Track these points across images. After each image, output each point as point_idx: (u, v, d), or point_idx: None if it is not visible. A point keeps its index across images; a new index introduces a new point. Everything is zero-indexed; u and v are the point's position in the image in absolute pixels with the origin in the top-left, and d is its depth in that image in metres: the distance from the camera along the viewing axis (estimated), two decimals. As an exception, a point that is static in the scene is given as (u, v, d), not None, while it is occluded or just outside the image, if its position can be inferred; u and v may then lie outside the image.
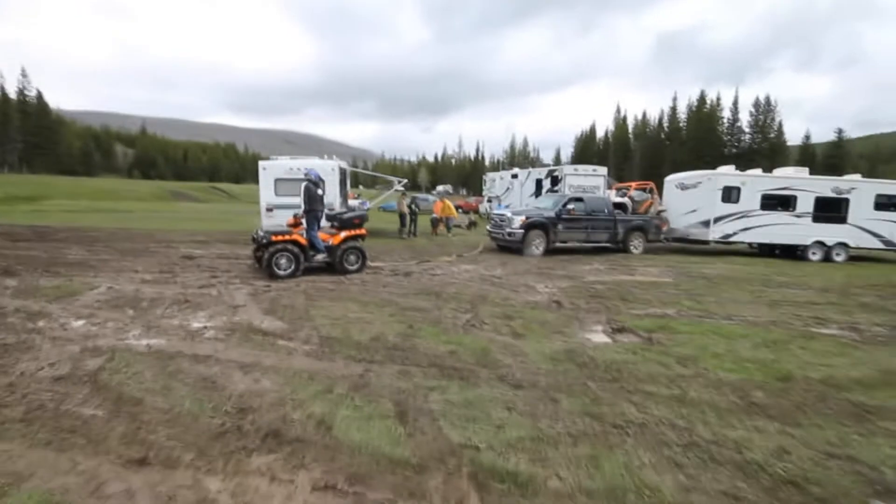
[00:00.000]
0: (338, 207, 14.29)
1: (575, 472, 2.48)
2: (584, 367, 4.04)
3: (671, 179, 15.33)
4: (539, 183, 20.25)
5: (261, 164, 13.80)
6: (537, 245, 11.88)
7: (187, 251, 10.76)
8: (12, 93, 72.22)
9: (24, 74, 78.84)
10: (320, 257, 8.39)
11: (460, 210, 34.14)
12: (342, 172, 15.42)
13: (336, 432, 2.80)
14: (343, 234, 8.54)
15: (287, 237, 7.97)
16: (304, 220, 8.29)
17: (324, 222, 8.60)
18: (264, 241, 7.89)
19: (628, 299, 6.86)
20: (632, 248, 12.88)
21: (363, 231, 8.88)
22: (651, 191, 18.42)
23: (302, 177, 13.81)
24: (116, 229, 15.88)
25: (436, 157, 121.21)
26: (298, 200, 12.41)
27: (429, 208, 23.01)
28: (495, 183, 26.27)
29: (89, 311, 5.34)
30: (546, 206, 12.87)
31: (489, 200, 27.19)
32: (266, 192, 13.79)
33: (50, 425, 2.78)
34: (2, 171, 65.44)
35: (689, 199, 14.11)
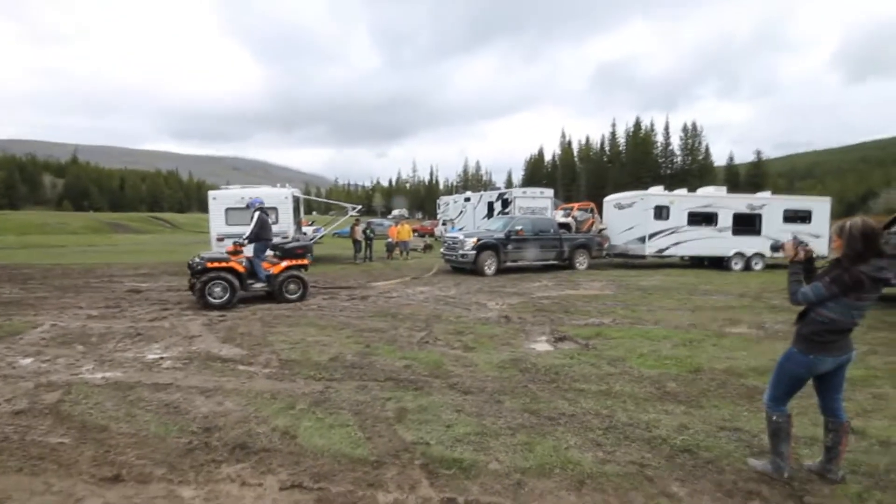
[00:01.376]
0: (292, 235, 14.37)
1: (512, 456, 2.91)
2: (527, 373, 4.51)
3: (610, 200, 16.61)
4: (490, 206, 20.95)
5: (210, 193, 13.71)
6: (489, 265, 12.45)
7: (133, 285, 10.46)
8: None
9: None
10: (259, 286, 8.42)
11: (417, 234, 34.70)
12: (295, 200, 15.55)
13: (300, 440, 3.07)
14: (284, 263, 8.61)
15: (223, 264, 7.96)
16: (246, 248, 8.34)
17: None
18: (199, 267, 7.81)
19: (571, 311, 7.48)
20: (577, 264, 13.78)
21: (305, 261, 8.98)
22: (592, 210, 19.75)
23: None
24: (51, 266, 15.01)
25: (390, 182, 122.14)
26: (244, 229, 12.57)
27: (384, 233, 23.29)
28: (449, 206, 26.86)
29: (36, 349, 5.24)
30: (496, 227, 13.52)
31: (444, 223, 27.77)
32: (216, 222, 13.66)
33: (18, 454, 2.86)
34: None
35: (626, 217, 15.35)
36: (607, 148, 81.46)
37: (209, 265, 7.82)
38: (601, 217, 17.63)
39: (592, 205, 20.07)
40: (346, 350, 5.21)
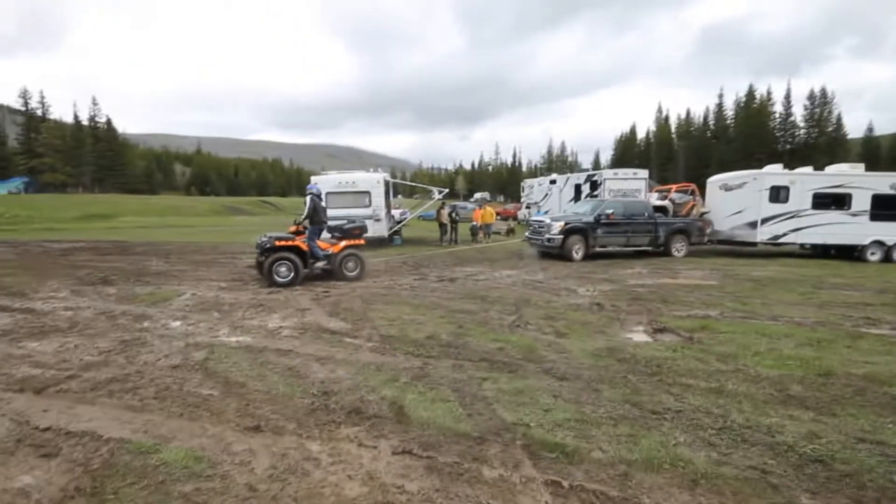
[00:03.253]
0: (384, 218, 15.11)
1: (616, 446, 2.83)
2: (625, 363, 4.33)
3: (714, 180, 15.04)
4: (578, 188, 20.22)
5: (312, 179, 14.77)
6: (577, 250, 12.02)
7: (250, 261, 11.76)
8: (85, 120, 79.84)
9: (94, 103, 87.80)
10: (320, 265, 8.88)
11: (499, 217, 34.50)
12: (387, 184, 16.23)
13: (407, 411, 3.28)
14: (343, 243, 9.02)
15: (290, 243, 8.46)
16: (307, 230, 8.81)
17: (325, 234, 9.13)
18: (267, 245, 8.34)
19: (670, 301, 6.99)
20: (674, 251, 12.77)
21: (362, 241, 9.33)
22: (692, 192, 18.04)
23: (350, 190, 14.89)
24: (185, 243, 17.44)
25: (473, 165, 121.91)
26: (349, 212, 13.40)
27: (468, 216, 23.49)
28: (533, 189, 26.42)
29: (182, 314, 6.17)
30: (585, 211, 12.96)
31: (527, 207, 27.33)
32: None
33: (179, 402, 3.43)
34: (77, 191, 71.99)
35: (734, 199, 13.81)
36: (712, 122, 72.99)
37: (277, 243, 8.36)
38: (703, 200, 16.05)
39: (693, 186, 18.33)
40: (440, 329, 5.40)
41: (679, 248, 12.83)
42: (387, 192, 16.13)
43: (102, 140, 78.75)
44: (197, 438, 2.93)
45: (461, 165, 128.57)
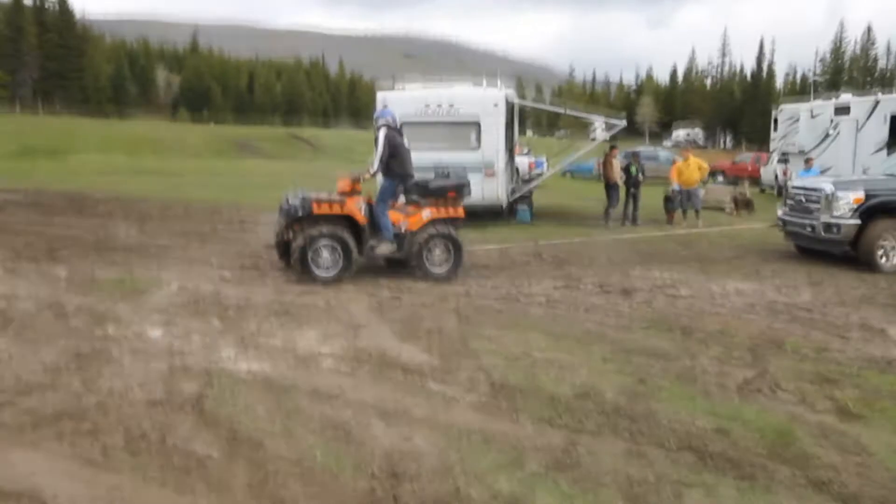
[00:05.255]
0: (501, 171, 15.28)
1: None
2: None
3: None
4: None
5: (380, 96, 15.38)
6: (890, 250, 11.07)
7: (271, 237, 12.67)
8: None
9: None
10: (385, 248, 9.14)
11: (718, 177, 32.98)
12: (510, 109, 16.35)
13: (538, 526, 3.30)
14: (426, 213, 9.17)
15: (337, 209, 8.75)
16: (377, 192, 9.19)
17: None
18: (300, 212, 8.64)
19: None
20: None
21: (460, 211, 9.42)
22: None
23: (442, 119, 15.25)
24: (170, 200, 19.39)
25: (673, 76, 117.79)
26: (439, 158, 13.75)
27: (662, 174, 22.77)
28: (799, 124, 24.86)
29: (165, 318, 6.87)
30: (912, 171, 11.92)
31: (783, 160, 25.75)
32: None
33: (159, 460, 3.84)
34: (13, 110, 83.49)
35: None
36: None
37: (316, 209, 8.67)
38: None
39: None
40: (603, 381, 5.36)
41: None
42: (509, 124, 16.28)
43: (51, 29, 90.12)
44: (186, 526, 3.25)
45: (650, 76, 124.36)
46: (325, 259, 8.75)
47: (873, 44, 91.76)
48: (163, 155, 48.07)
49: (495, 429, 4.43)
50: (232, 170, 37.79)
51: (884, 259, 11.09)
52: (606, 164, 17.54)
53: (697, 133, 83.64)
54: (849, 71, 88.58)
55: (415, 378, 5.36)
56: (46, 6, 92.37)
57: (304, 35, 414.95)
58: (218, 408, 4.60)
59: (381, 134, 9.35)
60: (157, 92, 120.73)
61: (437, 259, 9.28)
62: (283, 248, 9.25)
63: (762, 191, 28.21)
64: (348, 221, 8.94)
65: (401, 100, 15.52)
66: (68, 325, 6.55)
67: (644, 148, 37.62)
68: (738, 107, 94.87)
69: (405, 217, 9.32)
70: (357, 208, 9.01)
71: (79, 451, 3.94)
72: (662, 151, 38.73)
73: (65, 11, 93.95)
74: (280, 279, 8.96)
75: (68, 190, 21.54)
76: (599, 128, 19.15)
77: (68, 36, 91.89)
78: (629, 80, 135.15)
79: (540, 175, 20.12)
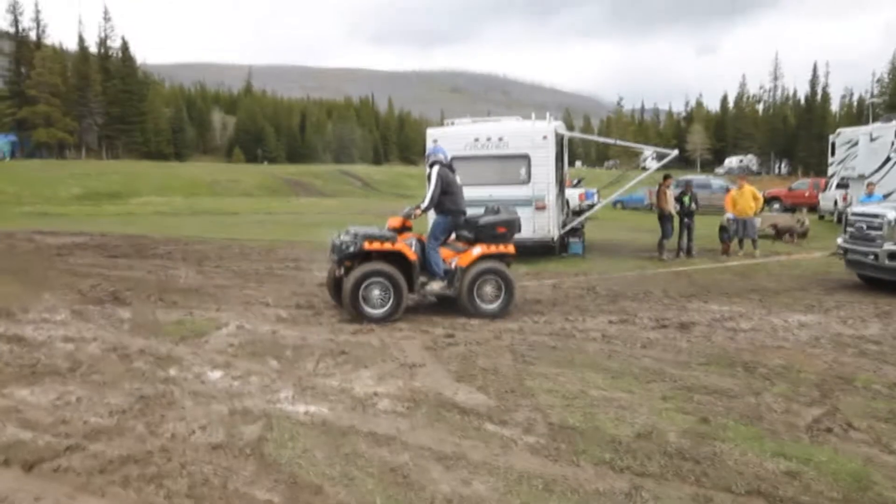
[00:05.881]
0: (552, 204, 15.21)
1: None
2: None
3: None
4: None
5: (430, 133, 15.56)
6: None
7: (324, 276, 12.85)
8: (93, 45, 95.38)
9: (106, 17, 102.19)
10: (437, 287, 9.14)
11: (775, 205, 32.34)
12: (560, 142, 16.36)
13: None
14: (477, 250, 9.16)
15: (389, 246, 8.79)
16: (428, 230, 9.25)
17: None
18: (351, 249, 8.72)
19: None
20: None
21: (510, 247, 9.37)
22: None
23: (492, 153, 15.32)
24: (226, 241, 19.90)
25: (724, 103, 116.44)
26: (489, 193, 13.78)
27: (717, 202, 22.42)
28: (858, 148, 24.31)
29: (224, 359, 7.01)
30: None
31: (843, 185, 25.14)
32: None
33: (222, 507, 3.88)
34: (79, 155, 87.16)
35: None
36: None
37: (367, 246, 8.76)
38: None
39: None
40: (664, 422, 5.27)
41: None
42: (559, 157, 16.29)
43: (115, 76, 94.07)
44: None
45: (699, 103, 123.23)
46: (376, 297, 8.78)
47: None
48: (219, 196, 49.56)
49: (556, 472, 4.37)
50: (285, 209, 38.61)
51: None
52: (660, 194, 17.33)
53: (751, 160, 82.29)
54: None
55: (472, 419, 5.33)
56: (110, 54, 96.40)
57: (353, 74, 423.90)
58: (278, 451, 4.63)
59: (434, 171, 9.44)
60: (214, 134, 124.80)
61: (488, 296, 9.25)
62: (335, 286, 9.32)
63: (821, 217, 27.58)
64: (399, 258, 8.99)
65: (450, 136, 15.67)
66: (132, 367, 6.71)
67: (696, 177, 37.20)
68: (792, 132, 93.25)
69: (456, 254, 9.34)
70: (407, 245, 9.06)
71: (144, 498, 4.00)
72: (715, 180, 38.18)
73: (127, 59, 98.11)
74: (335, 318, 9.07)
75: (130, 232, 22.27)
76: (650, 157, 19.00)
77: (130, 82, 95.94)
78: (679, 108, 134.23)
79: (591, 207, 19.95)
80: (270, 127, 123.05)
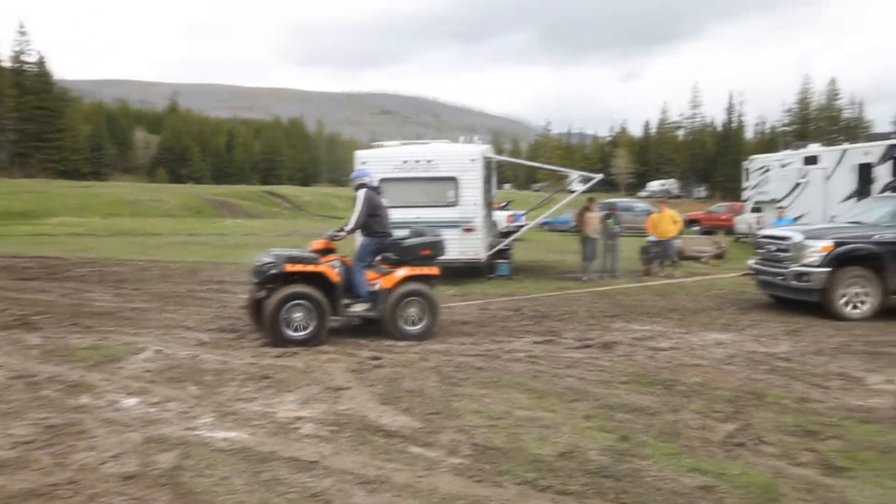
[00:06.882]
0: (480, 226, 15.34)
1: None
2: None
3: None
4: (866, 171, 19.45)
5: (359, 155, 15.54)
6: (858, 298, 11.26)
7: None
8: (6, 58, 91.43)
9: (21, 31, 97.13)
10: (361, 309, 9.13)
11: (694, 227, 33.41)
12: (488, 165, 16.54)
13: None
14: (401, 272, 9.20)
15: (311, 268, 8.74)
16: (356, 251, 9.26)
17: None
18: (273, 271, 8.64)
19: None
20: None
21: (434, 269, 9.44)
22: None
23: (421, 175, 15.41)
24: (146, 262, 19.28)
25: (646, 128, 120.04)
26: (417, 215, 13.82)
27: (638, 224, 23.03)
28: (770, 174, 25.40)
29: (140, 385, 6.76)
30: (879, 217, 12.25)
31: (755, 209, 26.19)
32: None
33: (134, 539, 3.72)
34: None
35: None
36: None
37: (289, 268, 8.68)
38: None
39: None
40: (586, 441, 5.33)
41: None
42: (487, 180, 16.43)
43: (30, 91, 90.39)
44: None
45: (624, 129, 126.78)
46: (298, 320, 8.64)
47: (837, 95, 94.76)
48: (140, 216, 48.04)
49: (479, 493, 4.37)
50: (210, 229, 37.68)
51: (849, 307, 11.19)
52: (582, 216, 17.65)
53: (672, 184, 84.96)
54: (816, 122, 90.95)
55: (396, 442, 5.29)
56: (25, 69, 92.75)
57: (283, 94, 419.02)
58: (194, 480, 4.48)
59: (360, 194, 9.42)
60: (136, 153, 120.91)
61: (412, 317, 9.24)
62: (256, 309, 9.12)
63: (737, 240, 28.61)
64: (322, 280, 8.88)
65: (379, 158, 15.72)
66: (40, 395, 6.39)
67: (620, 200, 38.19)
68: (710, 158, 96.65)
69: (380, 276, 9.32)
70: (331, 267, 8.98)
71: (48, 532, 3.81)
72: (639, 203, 39.24)
73: (43, 73, 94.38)
74: (258, 342, 8.89)
75: (43, 253, 21.30)
76: (576, 181, 19.37)
77: (46, 98, 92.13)
78: (604, 133, 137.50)
79: (518, 229, 20.19)
80: (196, 146, 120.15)
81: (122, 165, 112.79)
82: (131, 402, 6.24)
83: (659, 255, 17.99)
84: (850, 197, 19.45)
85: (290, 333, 8.59)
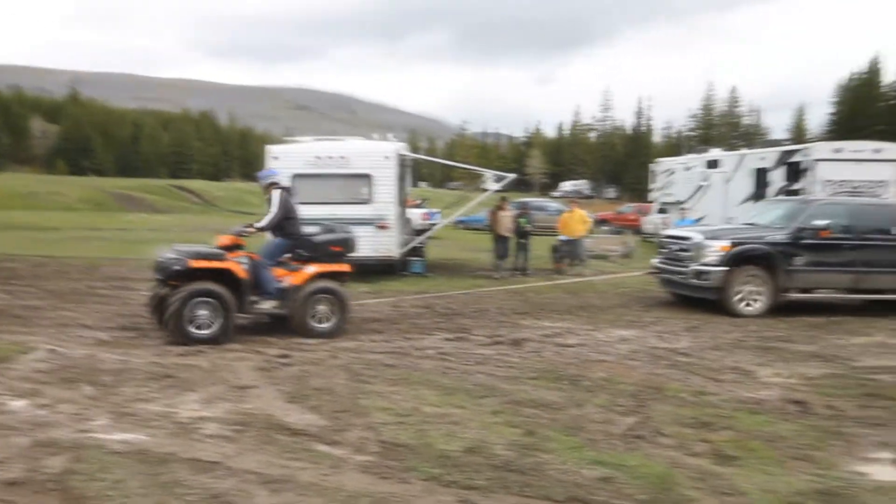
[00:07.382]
0: (394, 224, 15.31)
1: None
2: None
3: None
4: (761, 175, 20.30)
5: (270, 150, 15.24)
6: (752, 295, 11.79)
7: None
8: None
9: None
10: (269, 306, 9.04)
11: (604, 226, 34.33)
12: (402, 163, 16.51)
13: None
14: (311, 268, 9.15)
15: (216, 264, 8.55)
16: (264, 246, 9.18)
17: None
18: (176, 268, 8.34)
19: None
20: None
21: (345, 266, 9.43)
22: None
23: (335, 171, 15.25)
24: (41, 258, 18.31)
25: (560, 130, 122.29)
26: (330, 212, 13.66)
27: (550, 223, 23.48)
28: (674, 176, 26.30)
29: (30, 387, 6.39)
30: (772, 219, 12.83)
31: (661, 210, 27.09)
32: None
33: (17, 548, 3.53)
34: None
35: None
36: None
37: (192, 265, 8.40)
38: None
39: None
40: (493, 436, 5.39)
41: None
42: (401, 178, 16.42)
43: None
44: None
45: (539, 130, 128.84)
46: (203, 318, 8.39)
47: (738, 102, 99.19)
48: (36, 209, 45.61)
49: (385, 490, 4.35)
50: (113, 224, 36.18)
51: (743, 304, 11.71)
52: (495, 214, 17.88)
53: (584, 184, 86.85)
54: (717, 126, 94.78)
55: (302, 440, 5.21)
56: None
57: (193, 85, 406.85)
58: (86, 484, 4.26)
59: (276, 194, 9.24)
60: (32, 143, 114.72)
61: (322, 315, 9.14)
62: (158, 307, 8.82)
63: (644, 239, 29.52)
64: (228, 277, 8.65)
65: (292, 153, 15.53)
66: (-82, 398, 6.00)
67: (534, 199, 38.81)
68: (620, 160, 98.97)
69: (289, 272, 9.17)
70: (238, 263, 8.75)
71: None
72: (552, 203, 39.98)
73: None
74: (162, 340, 8.58)
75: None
76: (490, 180, 19.59)
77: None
78: (519, 133, 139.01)
79: (434, 227, 20.25)
80: (99, 137, 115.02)
81: (18, 156, 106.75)
82: (19, 404, 5.89)
83: (569, 253, 18.42)
84: (747, 199, 20.27)
85: (195, 331, 8.35)
